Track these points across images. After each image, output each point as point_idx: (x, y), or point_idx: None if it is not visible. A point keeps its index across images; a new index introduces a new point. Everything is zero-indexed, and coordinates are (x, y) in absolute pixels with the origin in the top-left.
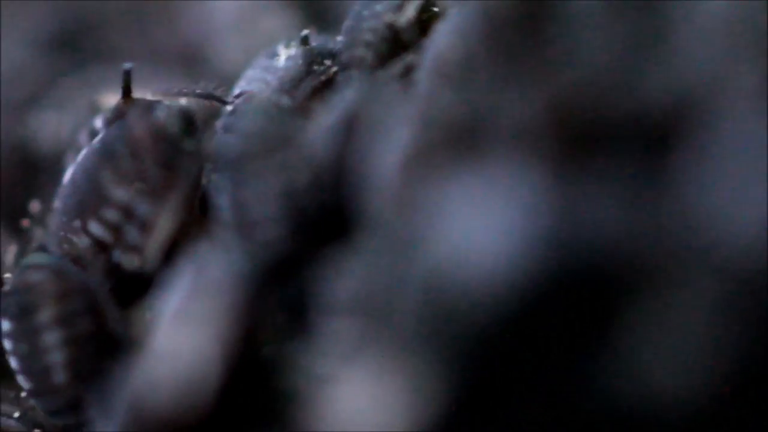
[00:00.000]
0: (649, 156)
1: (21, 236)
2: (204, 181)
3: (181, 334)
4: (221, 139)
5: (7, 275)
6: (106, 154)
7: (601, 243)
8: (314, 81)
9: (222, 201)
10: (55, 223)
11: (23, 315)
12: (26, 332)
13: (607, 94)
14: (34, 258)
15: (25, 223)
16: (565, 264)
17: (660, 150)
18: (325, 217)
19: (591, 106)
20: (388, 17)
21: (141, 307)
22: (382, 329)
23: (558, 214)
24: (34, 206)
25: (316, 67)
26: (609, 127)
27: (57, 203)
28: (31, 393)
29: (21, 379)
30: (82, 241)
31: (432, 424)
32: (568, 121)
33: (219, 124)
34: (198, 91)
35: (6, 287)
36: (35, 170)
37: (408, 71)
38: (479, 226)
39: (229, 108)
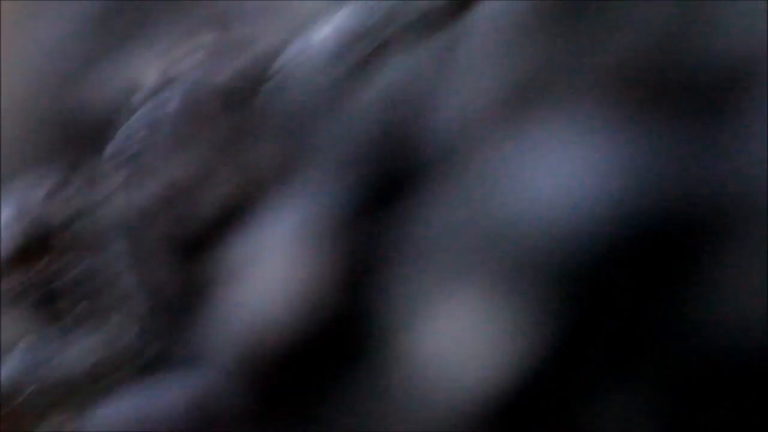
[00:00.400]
0: (711, 108)
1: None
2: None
3: (277, 274)
4: (279, 93)
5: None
6: (172, 110)
7: (675, 186)
8: (369, 44)
9: (306, 144)
10: (119, 176)
11: (100, 252)
12: (102, 270)
13: (668, 53)
14: (102, 212)
15: (85, 177)
16: (647, 206)
17: (720, 104)
18: (410, 156)
19: (653, 65)
20: None
21: (223, 249)
22: (475, 264)
23: (637, 159)
24: (94, 162)
25: (371, 31)
26: (671, 85)
27: (117, 158)
28: (115, 327)
29: (102, 319)
30: (155, 189)
31: (527, 363)
32: (633, 77)
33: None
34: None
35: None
36: (85, 136)
37: (463, 32)
38: (562, 168)
39: (281, 66)
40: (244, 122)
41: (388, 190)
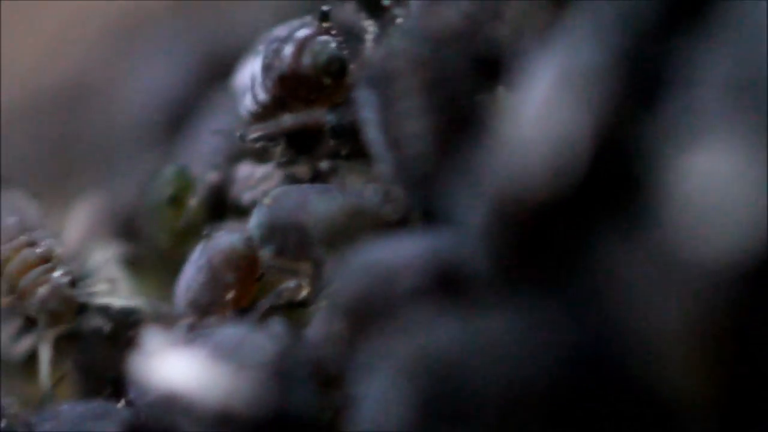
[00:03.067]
0: None
1: (382, 16)
2: None
3: (551, 120)
4: None
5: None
6: None
7: None
8: None
9: None
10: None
11: (386, 87)
12: (389, 106)
13: None
14: (397, 41)
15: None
16: None
17: None
18: None
19: None
20: None
21: (501, 89)
22: (751, 104)
23: None
24: None
25: None
26: None
27: None
28: (393, 163)
29: (381, 155)
30: (449, 14)
31: None
32: None
33: None
34: None
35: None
36: None
37: None
38: None
39: None
40: None
41: (668, 23)
